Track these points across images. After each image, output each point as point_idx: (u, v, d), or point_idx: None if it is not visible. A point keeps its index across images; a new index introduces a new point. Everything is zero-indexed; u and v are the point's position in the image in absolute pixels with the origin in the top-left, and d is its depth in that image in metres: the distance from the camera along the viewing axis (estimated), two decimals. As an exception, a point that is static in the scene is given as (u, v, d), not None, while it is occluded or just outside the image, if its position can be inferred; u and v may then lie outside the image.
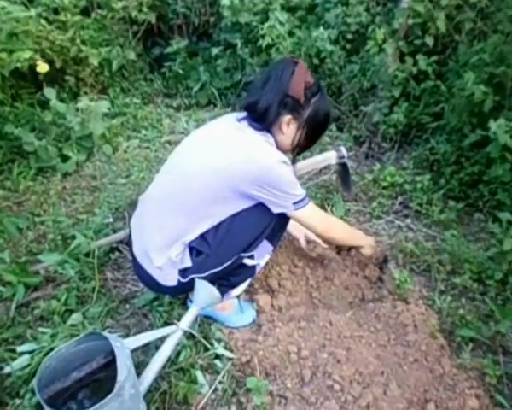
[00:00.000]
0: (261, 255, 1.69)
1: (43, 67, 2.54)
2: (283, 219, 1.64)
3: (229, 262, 1.58)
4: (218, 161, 1.49)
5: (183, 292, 1.73)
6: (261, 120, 1.54)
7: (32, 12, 2.45)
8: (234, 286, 1.73)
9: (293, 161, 1.78)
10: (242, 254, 1.60)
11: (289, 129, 1.57)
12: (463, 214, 2.36)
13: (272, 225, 1.60)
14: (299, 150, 1.68)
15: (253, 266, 1.69)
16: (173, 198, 1.54)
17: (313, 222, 1.68)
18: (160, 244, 1.55)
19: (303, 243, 2.02)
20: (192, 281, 1.56)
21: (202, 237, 1.56)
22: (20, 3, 2.74)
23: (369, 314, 1.74)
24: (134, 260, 1.64)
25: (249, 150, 1.49)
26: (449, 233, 2.14)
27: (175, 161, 1.64)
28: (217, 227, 1.55)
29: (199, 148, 1.57)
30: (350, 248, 2.17)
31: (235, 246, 1.57)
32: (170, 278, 1.57)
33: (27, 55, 2.44)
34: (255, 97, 1.54)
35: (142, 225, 1.62)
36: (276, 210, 1.56)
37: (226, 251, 1.56)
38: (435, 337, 1.62)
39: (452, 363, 1.53)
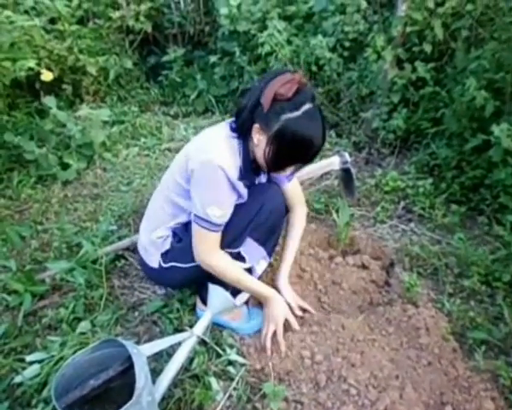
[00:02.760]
0: (254, 258, 1.65)
1: (47, 76, 2.54)
2: (272, 220, 1.61)
3: None
4: (184, 152, 1.57)
5: (166, 281, 1.79)
6: (236, 121, 1.49)
7: (36, 21, 2.45)
8: (237, 292, 1.69)
9: (269, 177, 1.68)
10: (228, 250, 1.59)
11: (260, 140, 1.42)
12: (466, 218, 2.38)
13: (255, 223, 1.58)
14: (270, 169, 1.49)
15: (249, 270, 1.66)
16: (161, 187, 1.69)
17: (196, 247, 1.53)
18: (147, 226, 1.71)
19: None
20: (173, 271, 1.63)
21: (186, 225, 1.62)
22: (23, 13, 2.74)
23: (380, 318, 1.74)
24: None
25: (205, 141, 1.51)
26: (455, 237, 2.16)
27: None
28: None
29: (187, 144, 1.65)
30: (355, 252, 2.19)
31: None
32: (153, 260, 1.67)
33: (31, 63, 2.43)
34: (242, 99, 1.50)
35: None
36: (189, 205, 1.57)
37: None
38: (447, 340, 1.62)
39: (466, 365, 1.54)
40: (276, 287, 1.79)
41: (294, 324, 1.66)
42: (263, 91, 1.37)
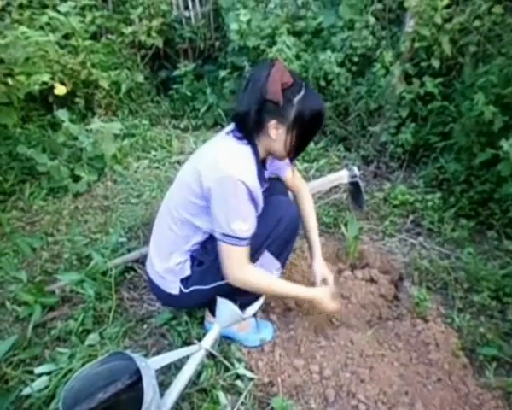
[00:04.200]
0: (268, 271, 1.65)
1: (60, 90, 2.59)
2: (288, 232, 1.61)
3: None
4: (191, 170, 1.50)
5: (186, 305, 1.74)
6: (242, 128, 1.47)
7: (51, 37, 2.51)
8: (249, 303, 1.70)
9: (292, 164, 1.71)
10: None
11: (279, 134, 1.46)
12: (475, 232, 2.37)
13: (273, 237, 1.57)
14: (293, 154, 1.54)
15: None
16: (168, 210, 1.60)
17: (226, 266, 1.48)
18: (161, 252, 1.62)
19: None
20: (195, 294, 1.58)
21: (203, 246, 1.58)
22: (39, 28, 2.80)
23: (389, 333, 1.74)
24: (147, 272, 1.71)
25: (216, 155, 1.46)
26: (465, 251, 2.15)
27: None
28: None
29: (188, 162, 1.60)
30: (364, 266, 2.19)
31: None
32: (172, 287, 1.61)
33: (45, 77, 2.49)
34: (236, 108, 1.48)
35: (152, 237, 1.70)
36: (211, 224, 1.50)
37: None
38: (457, 356, 1.61)
39: (476, 382, 1.53)
40: (313, 270, 1.83)
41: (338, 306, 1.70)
42: (266, 89, 1.39)
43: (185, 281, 1.59)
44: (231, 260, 1.47)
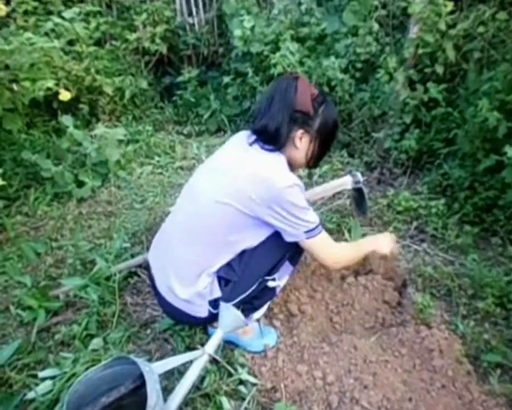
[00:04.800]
0: (282, 276, 1.68)
1: (65, 96, 2.61)
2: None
3: (255, 286, 1.57)
4: (227, 188, 1.47)
5: (213, 321, 1.68)
6: (273, 141, 1.50)
7: (56, 43, 2.53)
8: (256, 309, 1.71)
9: (310, 174, 1.80)
10: (267, 277, 1.60)
11: (302, 143, 1.55)
12: (479, 239, 2.36)
13: (295, 245, 1.59)
14: (313, 162, 1.65)
15: (274, 288, 1.68)
16: (191, 233, 1.53)
17: (323, 256, 1.62)
18: (184, 278, 1.54)
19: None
20: None
21: (228, 264, 1.56)
22: (44, 35, 2.83)
23: (393, 339, 1.73)
24: (158, 295, 1.62)
25: (259, 171, 1.45)
26: (469, 257, 2.14)
27: (188, 195, 1.63)
28: (242, 254, 1.56)
29: (210, 179, 1.55)
30: (367, 272, 2.18)
31: (260, 269, 1.57)
32: (200, 310, 1.56)
33: (50, 83, 2.51)
34: (263, 121, 1.50)
35: (163, 261, 1.61)
36: (288, 239, 1.53)
37: (252, 275, 1.56)
38: (461, 363, 1.60)
39: (480, 389, 1.52)
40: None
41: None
42: (295, 101, 1.48)
43: (213, 302, 1.56)
44: (325, 249, 1.61)
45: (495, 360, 1.62)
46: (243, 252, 1.56)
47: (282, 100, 1.49)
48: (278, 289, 1.72)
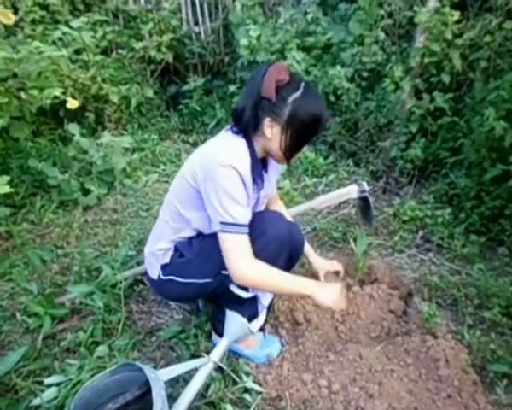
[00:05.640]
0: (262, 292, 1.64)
1: (72, 104, 2.63)
2: (273, 247, 1.53)
3: (211, 279, 1.57)
4: (188, 165, 1.57)
5: (162, 293, 1.78)
6: (238, 123, 1.49)
7: (64, 52, 2.56)
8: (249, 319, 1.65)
9: (288, 166, 1.76)
10: (223, 272, 1.53)
11: (273, 133, 1.46)
12: (486, 248, 2.36)
13: (255, 249, 1.47)
14: (289, 154, 1.51)
15: (252, 302, 1.64)
16: (165, 203, 1.70)
17: (230, 261, 1.44)
18: (151, 238, 1.74)
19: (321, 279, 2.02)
20: (170, 284, 1.64)
21: (190, 241, 1.63)
22: (51, 43, 2.86)
23: (398, 348, 1.72)
24: None
25: (211, 146, 1.52)
26: (475, 267, 2.13)
27: None
28: (206, 236, 1.60)
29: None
30: (373, 282, 2.18)
31: (214, 259, 1.52)
32: (153, 271, 1.69)
33: (57, 92, 2.53)
34: (236, 104, 1.52)
35: None
36: (213, 227, 1.49)
37: (205, 261, 1.57)
38: (467, 372, 1.59)
39: (487, 399, 1.50)
40: (314, 267, 2.02)
41: (343, 302, 1.63)
42: (261, 86, 1.41)
43: (165, 268, 1.65)
44: (234, 252, 1.43)
45: (501, 370, 1.61)
46: (208, 236, 1.57)
47: (250, 84, 1.47)
48: (260, 307, 1.68)
